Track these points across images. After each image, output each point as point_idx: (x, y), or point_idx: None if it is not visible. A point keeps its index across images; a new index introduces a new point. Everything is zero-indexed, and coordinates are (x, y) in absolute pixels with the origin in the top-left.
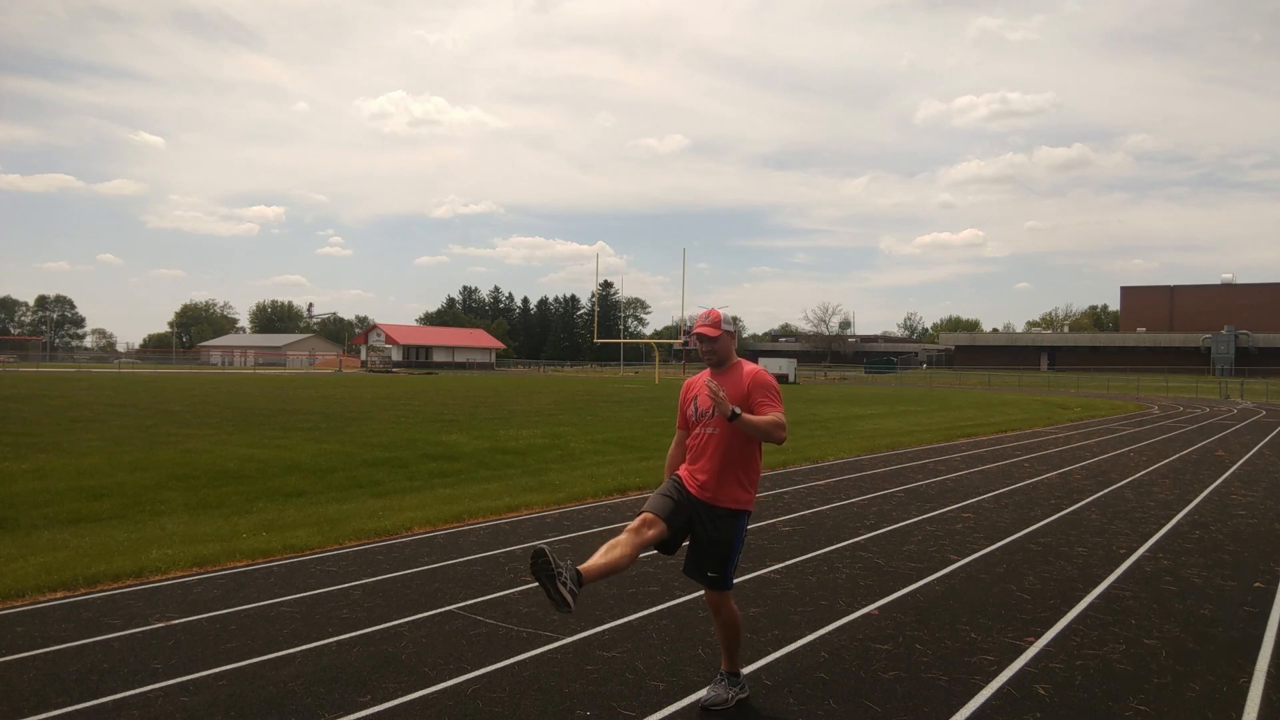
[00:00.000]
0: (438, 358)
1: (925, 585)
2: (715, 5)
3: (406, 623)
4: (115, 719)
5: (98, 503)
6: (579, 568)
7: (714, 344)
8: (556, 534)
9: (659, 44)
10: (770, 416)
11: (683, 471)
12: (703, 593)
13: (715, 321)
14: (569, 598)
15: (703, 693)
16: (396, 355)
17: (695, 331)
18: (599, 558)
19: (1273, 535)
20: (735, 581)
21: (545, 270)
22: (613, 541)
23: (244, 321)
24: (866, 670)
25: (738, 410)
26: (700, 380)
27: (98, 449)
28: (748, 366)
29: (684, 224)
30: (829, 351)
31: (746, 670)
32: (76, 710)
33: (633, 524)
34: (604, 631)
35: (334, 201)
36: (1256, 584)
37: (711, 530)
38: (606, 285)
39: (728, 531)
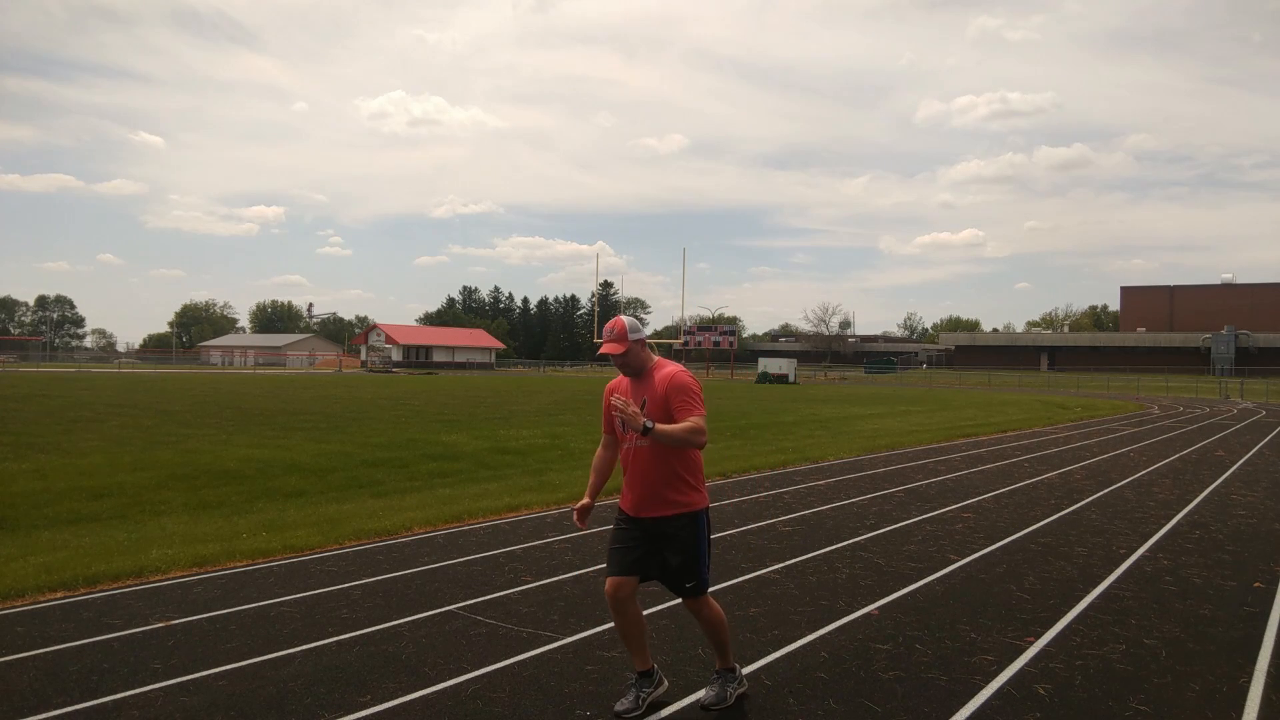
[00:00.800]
0: (438, 358)
1: (925, 585)
2: (715, 5)
3: (406, 623)
4: (115, 719)
5: (98, 503)
6: (640, 670)
7: (624, 358)
8: (556, 534)
9: (658, 44)
10: (687, 423)
11: (623, 499)
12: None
13: (620, 335)
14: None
15: (701, 693)
16: (396, 355)
17: (601, 352)
18: (633, 649)
19: (1273, 535)
20: (736, 582)
21: (545, 270)
22: (622, 633)
23: (244, 321)
24: (866, 670)
25: (649, 424)
26: (622, 385)
27: (98, 449)
28: (666, 369)
29: (684, 224)
30: (829, 351)
31: (747, 670)
32: (76, 710)
33: (609, 597)
34: (604, 631)
35: (334, 201)
36: (1256, 584)
37: (673, 544)
38: (606, 285)
39: (689, 540)
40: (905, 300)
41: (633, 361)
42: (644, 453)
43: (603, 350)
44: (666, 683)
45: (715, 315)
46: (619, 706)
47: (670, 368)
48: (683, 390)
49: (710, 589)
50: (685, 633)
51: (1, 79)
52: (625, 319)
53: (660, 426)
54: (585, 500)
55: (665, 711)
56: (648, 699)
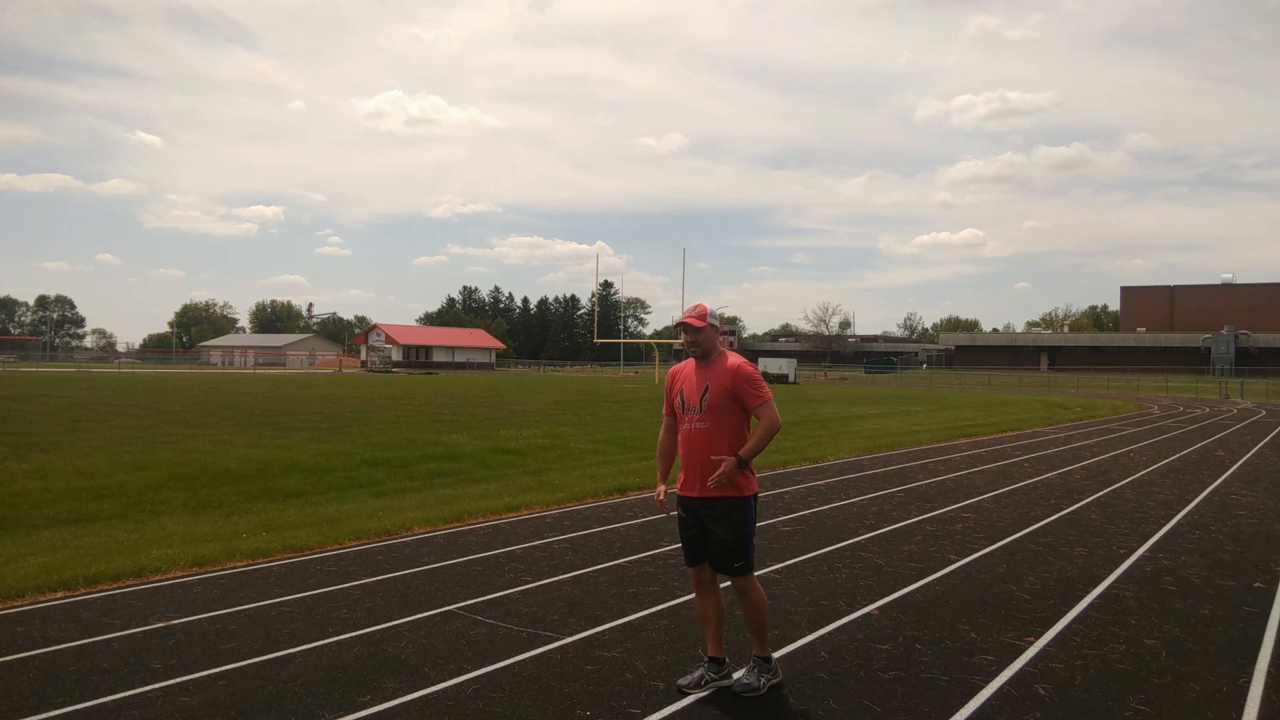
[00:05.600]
0: (438, 358)
1: (925, 585)
2: (712, 4)
3: (406, 623)
4: (115, 719)
5: (98, 503)
6: (711, 655)
7: (698, 335)
8: (556, 534)
9: (656, 43)
10: (762, 429)
11: (680, 482)
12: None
13: (701, 314)
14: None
15: (737, 674)
16: (396, 355)
17: (681, 321)
18: (708, 633)
19: (1273, 535)
20: None
21: (545, 270)
22: (701, 615)
23: (244, 321)
24: (866, 670)
25: (743, 458)
26: (684, 370)
27: (98, 449)
28: (732, 360)
29: (683, 224)
30: (829, 351)
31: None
32: (76, 710)
33: (692, 582)
34: (604, 631)
35: (332, 201)
36: (1256, 584)
37: (723, 526)
38: (606, 285)
39: (738, 523)
40: (905, 300)
41: (704, 342)
42: (702, 435)
43: (683, 320)
44: (734, 679)
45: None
46: (682, 681)
47: (735, 359)
48: (751, 380)
49: (720, 585)
50: (686, 633)
51: None
52: (706, 304)
53: (748, 451)
54: (661, 488)
55: (666, 710)
56: (711, 683)
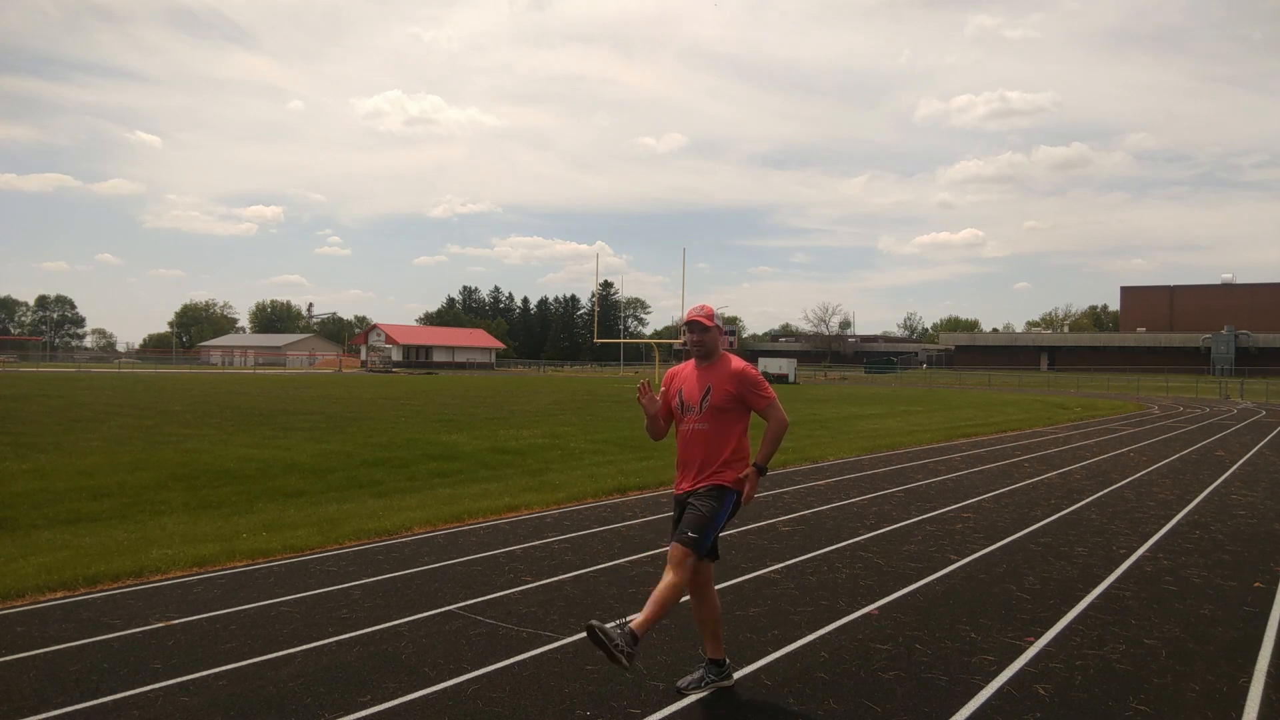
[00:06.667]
0: (438, 358)
1: (925, 585)
2: (712, 3)
3: (406, 623)
4: (115, 719)
5: (98, 503)
6: (631, 627)
7: (704, 334)
8: (556, 534)
9: (656, 43)
10: (773, 428)
11: (677, 482)
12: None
13: (708, 314)
14: (624, 660)
15: (689, 679)
16: (396, 355)
17: (688, 319)
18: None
19: (1273, 535)
20: (736, 582)
21: (545, 270)
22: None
23: (244, 321)
24: (866, 670)
25: (762, 466)
26: (683, 371)
27: (98, 449)
28: (735, 362)
29: (683, 224)
30: (829, 351)
31: (747, 670)
32: (76, 710)
33: (689, 587)
34: None
35: (332, 201)
36: (1256, 584)
37: (702, 500)
38: (606, 285)
39: (715, 499)
40: (905, 300)
41: (709, 342)
42: (701, 436)
43: (691, 318)
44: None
45: None
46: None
47: (738, 362)
48: (756, 384)
49: (715, 586)
50: (686, 633)
51: None
52: (710, 305)
53: (763, 457)
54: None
55: (666, 710)
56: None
